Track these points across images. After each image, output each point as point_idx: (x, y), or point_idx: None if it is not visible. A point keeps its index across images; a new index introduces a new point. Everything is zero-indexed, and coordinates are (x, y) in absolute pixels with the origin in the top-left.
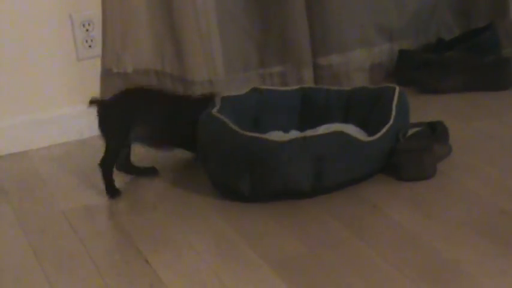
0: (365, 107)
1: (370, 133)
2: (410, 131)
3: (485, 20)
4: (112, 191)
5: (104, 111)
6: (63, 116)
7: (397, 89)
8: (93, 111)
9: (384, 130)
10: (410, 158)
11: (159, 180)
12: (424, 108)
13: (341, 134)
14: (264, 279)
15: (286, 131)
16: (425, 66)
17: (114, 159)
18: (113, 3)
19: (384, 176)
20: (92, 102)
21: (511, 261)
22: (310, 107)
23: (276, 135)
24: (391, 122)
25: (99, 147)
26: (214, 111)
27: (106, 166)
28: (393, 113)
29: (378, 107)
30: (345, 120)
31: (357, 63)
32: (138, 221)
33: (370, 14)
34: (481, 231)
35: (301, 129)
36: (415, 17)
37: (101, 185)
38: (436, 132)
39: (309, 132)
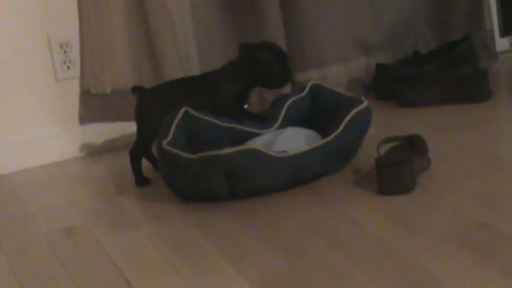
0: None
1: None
2: (389, 145)
3: (462, 32)
4: (140, 180)
5: (143, 100)
6: (43, 138)
7: (364, 103)
8: (72, 131)
9: (309, 147)
10: (389, 171)
11: (142, 198)
12: (403, 122)
13: (250, 151)
14: None
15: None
16: (402, 79)
17: (144, 148)
18: (90, 24)
19: (364, 190)
20: (134, 89)
21: (491, 273)
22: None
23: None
24: (329, 138)
25: (79, 168)
26: (166, 143)
27: (136, 154)
28: (339, 129)
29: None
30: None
31: (334, 78)
32: (119, 241)
33: (347, 29)
34: (460, 244)
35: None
36: (392, 31)
37: (82, 207)
38: (414, 145)
39: (270, 136)
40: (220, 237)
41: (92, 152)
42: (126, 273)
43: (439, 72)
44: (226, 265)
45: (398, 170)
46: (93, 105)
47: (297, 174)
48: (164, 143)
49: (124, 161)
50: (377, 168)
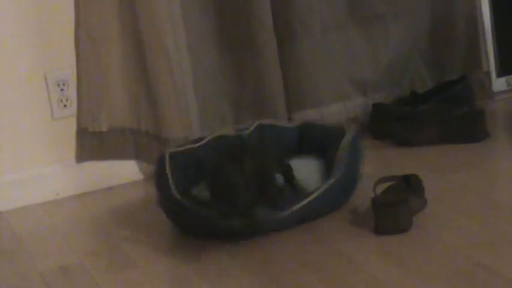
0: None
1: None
2: (386, 184)
3: (459, 72)
4: None
5: None
6: (39, 176)
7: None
8: (68, 170)
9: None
10: (386, 211)
11: (138, 236)
12: (399, 161)
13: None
14: None
15: None
16: (399, 119)
17: None
18: (87, 62)
19: (360, 229)
20: None
21: None
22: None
23: None
24: (315, 194)
25: (75, 207)
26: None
27: None
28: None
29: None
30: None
31: (331, 117)
32: (115, 280)
33: (344, 68)
34: (457, 285)
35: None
36: (389, 70)
37: (78, 245)
38: (410, 185)
39: None
40: (215, 275)
41: (88, 190)
42: None
43: (436, 112)
44: None
45: (395, 210)
46: (90, 144)
47: (305, 219)
48: (175, 192)
49: (120, 199)
50: (373, 208)
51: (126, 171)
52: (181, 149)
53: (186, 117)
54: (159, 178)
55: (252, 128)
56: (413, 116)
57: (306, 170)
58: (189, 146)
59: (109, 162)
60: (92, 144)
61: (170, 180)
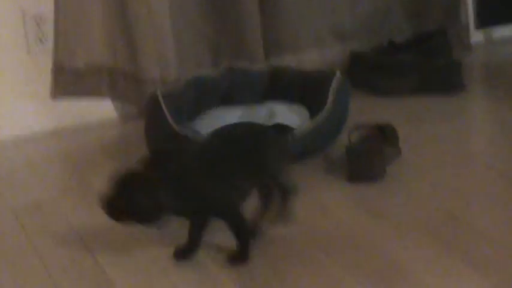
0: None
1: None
2: (360, 133)
3: (437, 23)
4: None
5: None
6: (13, 112)
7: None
8: (42, 107)
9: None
10: (360, 159)
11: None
12: (375, 110)
13: None
14: None
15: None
16: (377, 68)
17: None
18: None
19: (333, 178)
20: None
21: (456, 262)
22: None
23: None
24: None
25: (49, 143)
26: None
27: None
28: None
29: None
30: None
31: (309, 63)
32: (87, 216)
33: (323, 15)
34: (427, 233)
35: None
36: (368, 19)
37: (51, 182)
38: (385, 134)
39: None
40: None
41: (63, 127)
42: (93, 248)
43: (414, 62)
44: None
45: (369, 158)
46: (65, 81)
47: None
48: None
49: (94, 138)
50: (347, 156)
51: (101, 110)
52: (169, 88)
53: (163, 58)
54: (152, 116)
55: (221, 70)
56: (391, 65)
57: (291, 115)
58: (172, 87)
59: (84, 100)
60: (68, 81)
61: (167, 115)
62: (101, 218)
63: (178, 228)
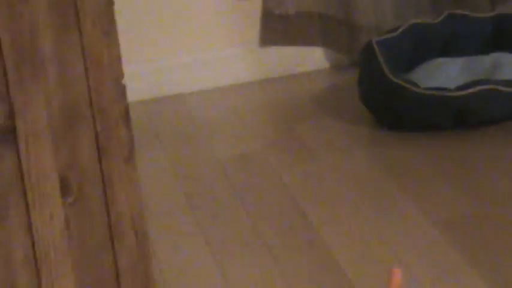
0: None
1: None
2: None
3: None
4: None
5: None
6: (220, 59)
7: None
8: (251, 54)
9: None
10: None
11: (321, 128)
12: None
13: (488, 92)
14: (425, 237)
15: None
16: None
17: None
18: None
19: None
20: None
21: None
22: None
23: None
24: None
25: (256, 93)
26: (374, 43)
27: None
28: None
29: None
30: None
31: None
32: (297, 172)
33: None
34: None
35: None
36: None
37: (259, 133)
38: None
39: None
40: (403, 175)
41: (270, 76)
42: (302, 205)
43: None
44: (408, 204)
45: None
46: (275, 27)
47: None
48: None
49: (303, 88)
50: None
51: (311, 58)
52: (386, 37)
53: (379, 4)
54: (367, 66)
55: (442, 17)
56: None
57: None
58: (389, 35)
59: (293, 48)
60: (277, 28)
61: (383, 65)
62: (312, 174)
63: None
